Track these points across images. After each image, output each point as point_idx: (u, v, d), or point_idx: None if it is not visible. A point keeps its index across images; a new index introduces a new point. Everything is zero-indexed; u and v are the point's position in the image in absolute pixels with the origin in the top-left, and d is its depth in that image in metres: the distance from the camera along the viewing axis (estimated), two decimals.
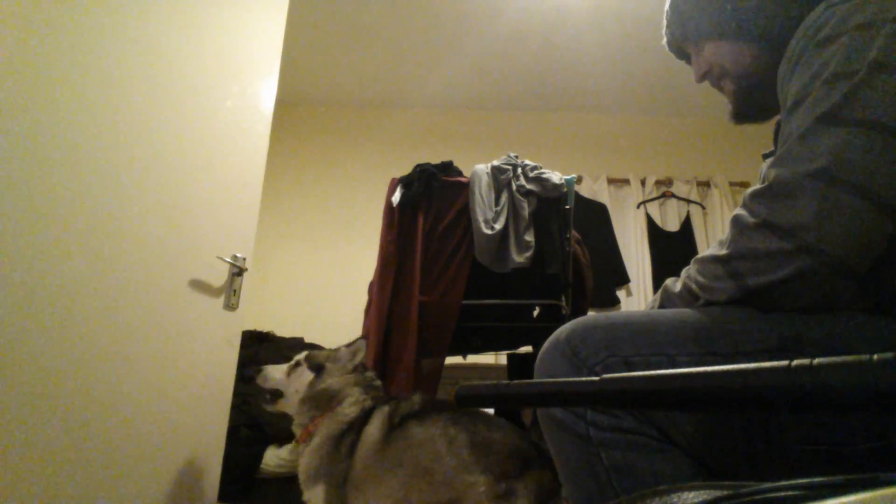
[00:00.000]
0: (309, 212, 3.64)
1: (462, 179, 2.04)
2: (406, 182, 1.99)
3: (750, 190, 0.60)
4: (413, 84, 3.58)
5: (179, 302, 1.32)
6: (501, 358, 2.85)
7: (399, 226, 1.96)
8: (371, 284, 2.07)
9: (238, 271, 1.51)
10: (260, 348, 2.56)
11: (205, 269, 1.40)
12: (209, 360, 1.42)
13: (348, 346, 1.51)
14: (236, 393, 1.57)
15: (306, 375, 1.42)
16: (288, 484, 2.06)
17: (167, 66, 1.30)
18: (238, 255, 1.51)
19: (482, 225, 1.86)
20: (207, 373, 1.41)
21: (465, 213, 1.94)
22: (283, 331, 2.87)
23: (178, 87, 1.33)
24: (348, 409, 1.29)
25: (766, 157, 0.87)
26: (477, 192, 1.93)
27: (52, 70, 1.01)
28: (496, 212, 1.91)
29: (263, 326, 2.82)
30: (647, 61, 3.22)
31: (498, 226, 1.87)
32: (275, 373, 1.44)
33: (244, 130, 1.57)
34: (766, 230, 0.56)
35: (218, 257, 1.44)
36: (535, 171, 2.00)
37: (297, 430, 1.39)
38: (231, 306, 1.49)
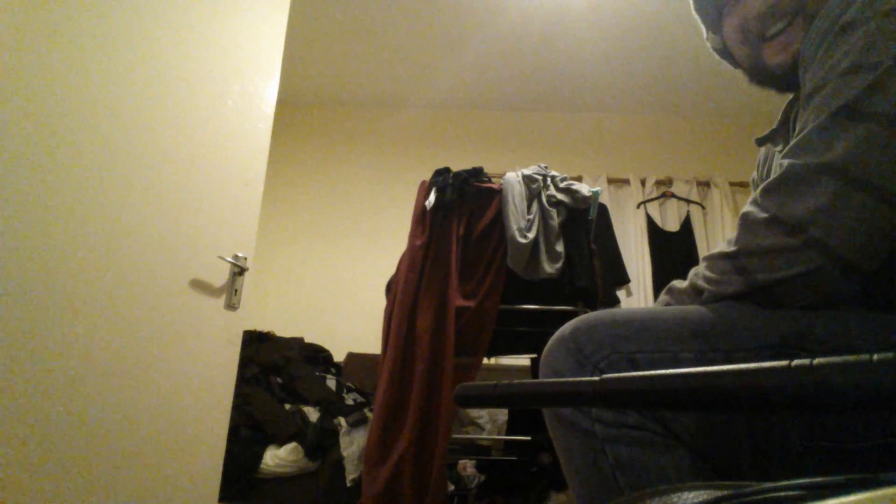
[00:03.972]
0: (309, 211, 3.65)
1: (493, 186, 2.07)
2: (440, 187, 2.00)
3: (762, 186, 0.59)
4: (413, 84, 3.58)
5: (180, 301, 1.32)
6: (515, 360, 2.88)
7: (430, 230, 1.98)
8: (390, 285, 2.08)
9: (239, 271, 1.51)
10: (260, 348, 2.56)
11: (206, 268, 1.40)
12: (210, 360, 1.42)
13: None
14: (237, 393, 1.57)
15: None
16: (288, 484, 2.07)
17: (168, 66, 1.30)
18: (239, 254, 1.51)
19: (516, 233, 1.90)
20: (208, 372, 1.41)
21: (499, 220, 1.97)
22: (283, 331, 2.87)
23: (179, 86, 1.33)
24: None
25: (759, 142, 0.85)
26: (510, 199, 1.96)
27: (52, 70, 1.01)
28: (529, 221, 1.95)
29: (263, 326, 2.82)
30: (647, 61, 3.22)
31: (531, 235, 1.91)
32: None
33: (246, 130, 1.57)
34: (774, 225, 0.55)
35: (219, 257, 1.44)
36: (565, 183, 2.05)
37: None
38: (232, 306, 1.49)
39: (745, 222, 0.59)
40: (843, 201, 0.52)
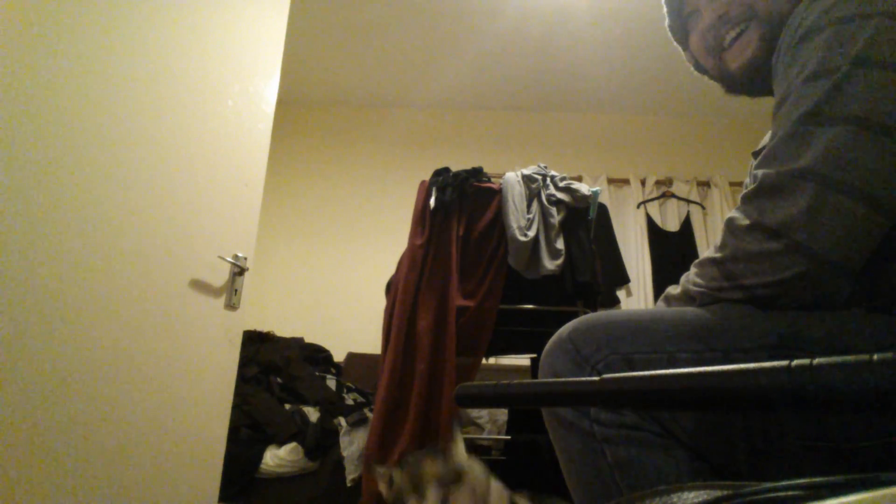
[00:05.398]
0: (309, 211, 3.64)
1: (493, 186, 2.08)
2: (440, 187, 2.01)
3: (742, 194, 0.60)
4: (413, 84, 3.58)
5: (180, 301, 1.32)
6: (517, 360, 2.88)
7: (430, 229, 1.98)
8: (390, 285, 2.08)
9: (239, 271, 1.51)
10: (260, 348, 2.56)
11: (206, 268, 1.40)
12: (210, 360, 1.42)
13: None
14: (237, 393, 1.57)
15: None
16: (288, 484, 2.07)
17: (169, 66, 1.30)
18: (239, 254, 1.51)
19: (516, 232, 1.91)
20: (208, 372, 1.41)
21: (499, 220, 1.98)
22: (283, 331, 2.87)
23: (179, 86, 1.33)
24: None
25: (755, 154, 0.87)
26: (510, 199, 1.98)
27: (53, 70, 1.01)
28: (528, 219, 1.96)
29: (263, 326, 2.82)
30: (647, 61, 3.22)
31: (531, 233, 1.92)
32: None
33: (246, 130, 1.57)
34: (758, 231, 0.56)
35: (219, 257, 1.44)
36: (565, 182, 2.07)
37: None
38: (232, 306, 1.49)
39: (730, 228, 0.60)
40: (820, 203, 0.52)
